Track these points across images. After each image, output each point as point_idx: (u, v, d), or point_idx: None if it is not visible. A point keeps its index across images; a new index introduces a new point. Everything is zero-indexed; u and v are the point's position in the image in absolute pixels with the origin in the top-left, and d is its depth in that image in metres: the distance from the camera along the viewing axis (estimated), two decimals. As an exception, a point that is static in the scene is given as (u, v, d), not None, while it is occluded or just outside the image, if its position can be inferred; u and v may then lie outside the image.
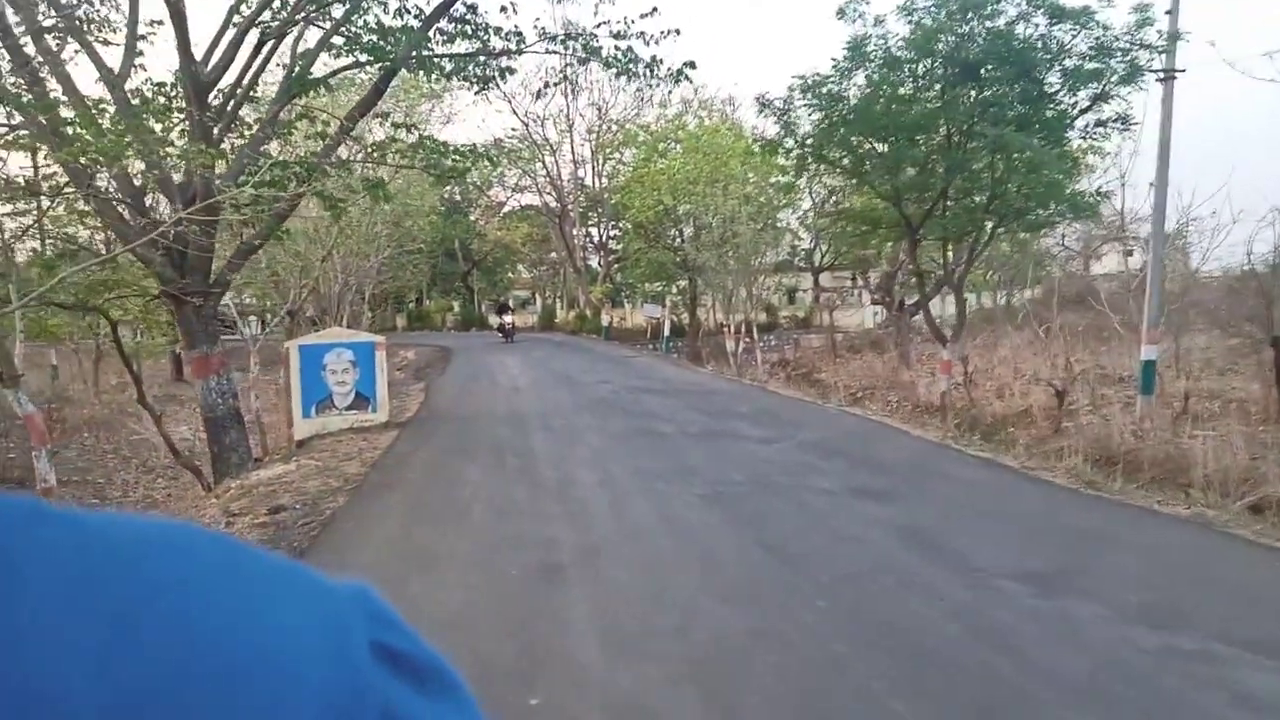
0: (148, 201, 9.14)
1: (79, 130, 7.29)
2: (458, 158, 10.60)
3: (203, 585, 0.29)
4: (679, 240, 24.29)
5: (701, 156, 20.46)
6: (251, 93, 9.28)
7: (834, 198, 21.62)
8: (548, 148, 32.77)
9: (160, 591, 0.27)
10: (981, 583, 4.16)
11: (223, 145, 8.86)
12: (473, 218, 39.31)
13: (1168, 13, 9.43)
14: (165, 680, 0.24)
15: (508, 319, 25.19)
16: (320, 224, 15.20)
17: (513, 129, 36.54)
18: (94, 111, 7.75)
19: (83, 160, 7.27)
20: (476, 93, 10.66)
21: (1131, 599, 3.93)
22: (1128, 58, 10.25)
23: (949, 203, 11.38)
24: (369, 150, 11.16)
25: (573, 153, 33.43)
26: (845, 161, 12.00)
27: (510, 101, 30.82)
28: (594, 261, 35.68)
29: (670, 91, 32.51)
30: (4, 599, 0.24)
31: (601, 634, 3.63)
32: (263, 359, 17.59)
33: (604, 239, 34.74)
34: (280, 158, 9.66)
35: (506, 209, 39.02)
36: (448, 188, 35.11)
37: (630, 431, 8.78)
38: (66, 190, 8.11)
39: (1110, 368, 13.97)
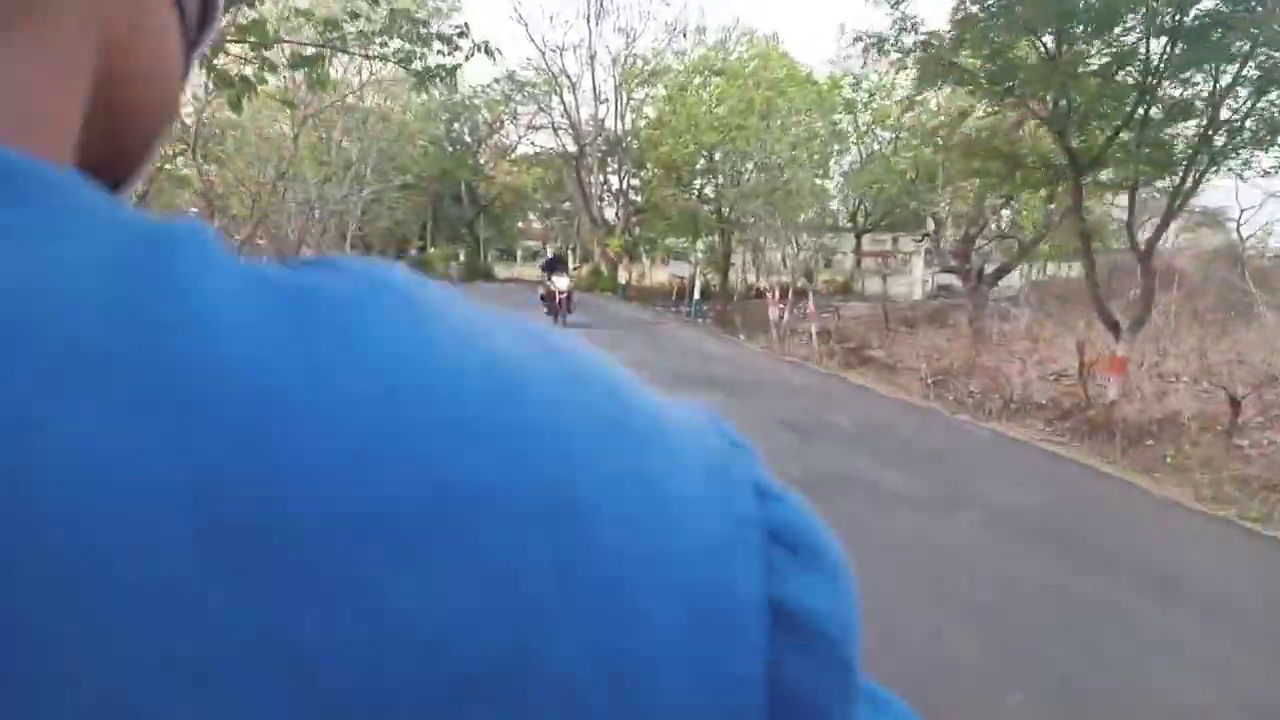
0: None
1: None
2: (443, 45, 7.45)
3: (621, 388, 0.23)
4: (714, 188, 20.82)
5: (752, 85, 16.95)
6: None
7: (939, 125, 17.28)
8: (566, 82, 29.36)
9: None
10: None
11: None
12: (482, 160, 36.05)
13: None
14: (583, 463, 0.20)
15: (562, 283, 15.23)
16: (278, 138, 11.97)
17: (528, 59, 33.00)
18: None
19: None
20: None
21: None
22: None
23: (1135, 132, 7.93)
24: (318, 28, 7.87)
25: (594, 89, 29.95)
26: (985, 70, 8.54)
27: (526, 26, 27.23)
28: (611, 213, 32.41)
29: None
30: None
31: None
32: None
33: (624, 187, 31.38)
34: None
35: (519, 150, 35.73)
36: (455, 124, 31.88)
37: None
38: None
39: (1259, 365, 10.75)
